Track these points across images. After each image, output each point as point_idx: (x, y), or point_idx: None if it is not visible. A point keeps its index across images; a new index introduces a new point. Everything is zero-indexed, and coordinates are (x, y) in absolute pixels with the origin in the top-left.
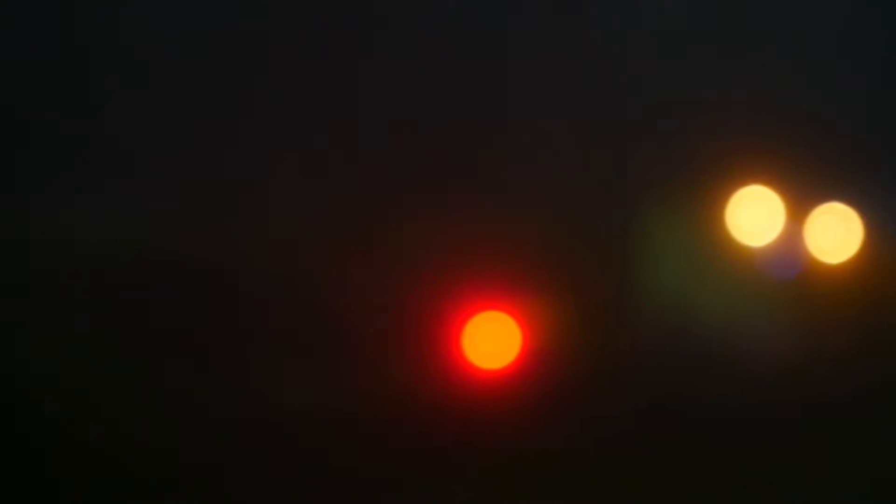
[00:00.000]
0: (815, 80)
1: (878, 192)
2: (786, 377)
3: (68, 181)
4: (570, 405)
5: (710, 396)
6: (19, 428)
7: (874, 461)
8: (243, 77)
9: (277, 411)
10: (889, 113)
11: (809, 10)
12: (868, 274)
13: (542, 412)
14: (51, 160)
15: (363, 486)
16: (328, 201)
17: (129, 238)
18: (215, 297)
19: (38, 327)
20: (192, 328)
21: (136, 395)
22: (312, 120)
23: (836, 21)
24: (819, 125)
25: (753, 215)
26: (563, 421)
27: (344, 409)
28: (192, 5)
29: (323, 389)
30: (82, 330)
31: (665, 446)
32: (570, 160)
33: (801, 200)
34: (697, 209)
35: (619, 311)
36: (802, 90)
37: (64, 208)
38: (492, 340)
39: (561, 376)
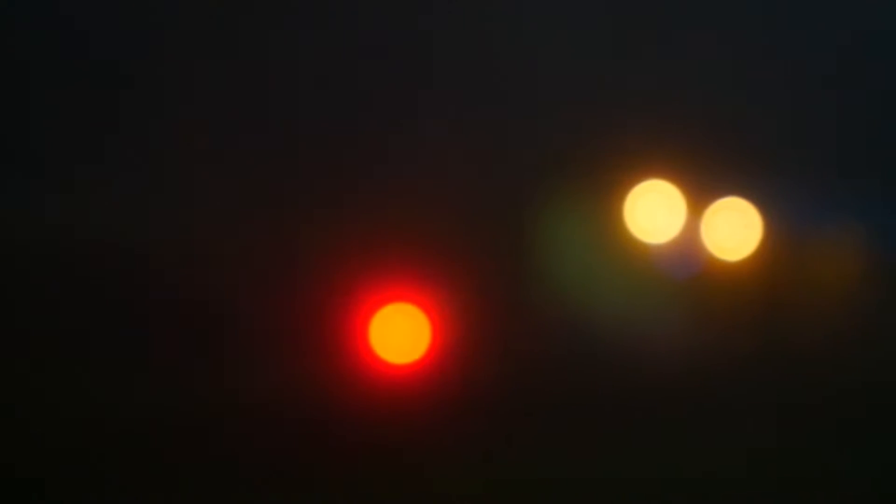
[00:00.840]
0: (715, 74)
1: (777, 187)
2: (685, 377)
3: None
4: (474, 402)
5: (609, 395)
6: None
7: (775, 462)
8: (140, 72)
9: (180, 410)
10: (788, 106)
11: (706, 6)
12: (768, 270)
13: (447, 409)
14: None
15: (268, 485)
16: (230, 196)
17: (17, 235)
18: (115, 295)
19: None
20: (91, 327)
21: (29, 393)
22: (212, 115)
23: (734, 16)
24: (719, 120)
25: (652, 212)
26: (468, 417)
27: (247, 407)
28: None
29: (224, 387)
30: None
31: (566, 444)
32: (472, 156)
33: (699, 196)
34: (597, 205)
35: (518, 309)
36: (701, 84)
37: None
38: (397, 336)
39: (462, 373)
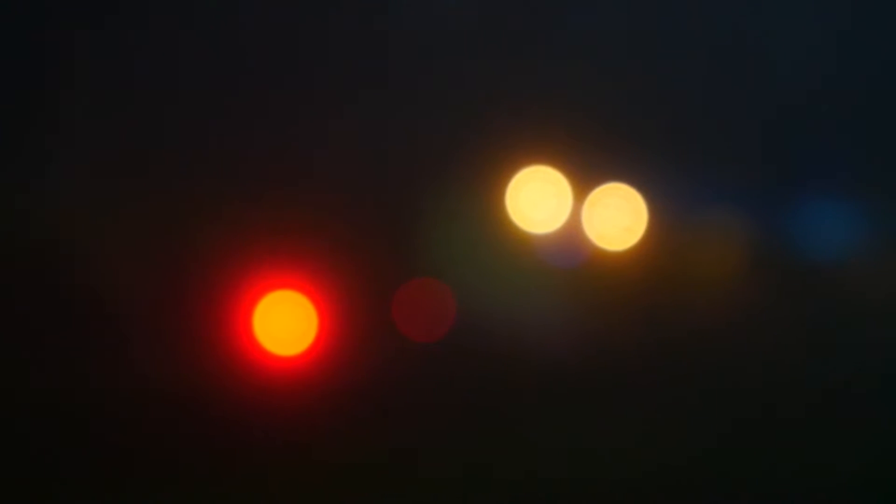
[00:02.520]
0: (599, 63)
1: (662, 174)
2: (571, 368)
3: None
4: (360, 392)
5: (495, 388)
6: None
7: (663, 451)
8: (26, 70)
9: (65, 402)
10: (673, 94)
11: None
12: (652, 260)
13: (334, 399)
14: None
15: (154, 479)
16: (114, 189)
17: None
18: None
19: None
20: None
21: None
22: (95, 111)
23: (628, 8)
24: (604, 108)
25: (536, 201)
26: (354, 409)
27: (132, 399)
28: None
29: (111, 378)
30: None
31: (452, 435)
32: (355, 148)
33: (582, 185)
34: (480, 196)
35: (401, 301)
36: (586, 74)
37: None
38: (281, 328)
39: (347, 365)
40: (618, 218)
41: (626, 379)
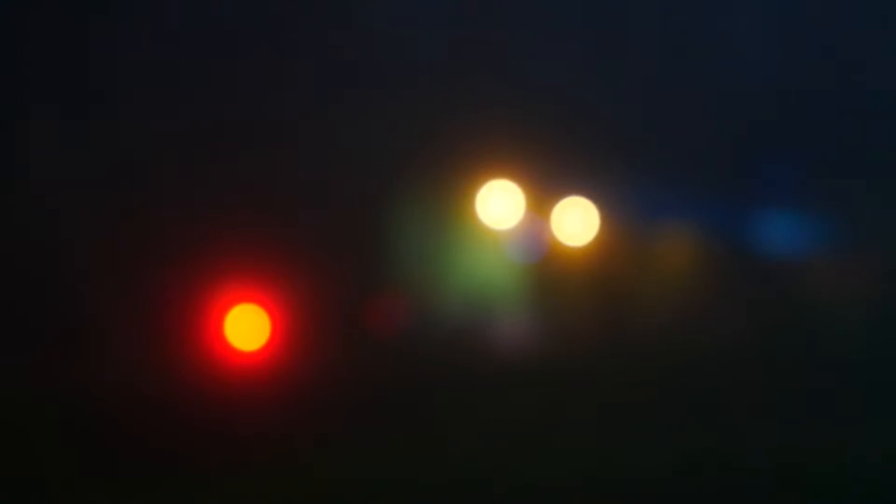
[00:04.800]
0: (563, 76)
1: (617, 184)
2: (534, 364)
3: None
4: (321, 392)
5: (457, 383)
6: None
7: (622, 449)
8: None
9: (34, 404)
10: (628, 108)
11: (563, 11)
12: (607, 262)
13: (294, 398)
14: None
15: (128, 476)
16: (86, 196)
17: None
18: None
19: None
20: None
21: None
22: (66, 116)
23: (579, 19)
24: (564, 120)
25: (497, 206)
26: (315, 407)
27: (99, 402)
28: None
29: (78, 382)
30: None
31: (413, 433)
32: (322, 153)
33: (544, 192)
34: (444, 200)
35: (366, 297)
36: (550, 86)
37: None
38: (247, 329)
39: (313, 363)
40: (577, 227)
41: (587, 376)
